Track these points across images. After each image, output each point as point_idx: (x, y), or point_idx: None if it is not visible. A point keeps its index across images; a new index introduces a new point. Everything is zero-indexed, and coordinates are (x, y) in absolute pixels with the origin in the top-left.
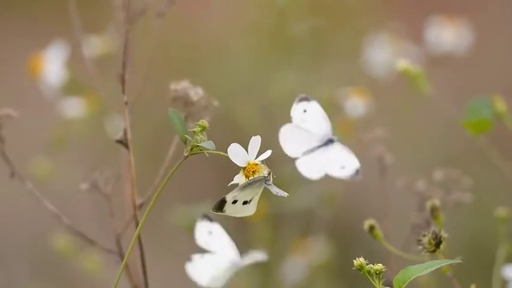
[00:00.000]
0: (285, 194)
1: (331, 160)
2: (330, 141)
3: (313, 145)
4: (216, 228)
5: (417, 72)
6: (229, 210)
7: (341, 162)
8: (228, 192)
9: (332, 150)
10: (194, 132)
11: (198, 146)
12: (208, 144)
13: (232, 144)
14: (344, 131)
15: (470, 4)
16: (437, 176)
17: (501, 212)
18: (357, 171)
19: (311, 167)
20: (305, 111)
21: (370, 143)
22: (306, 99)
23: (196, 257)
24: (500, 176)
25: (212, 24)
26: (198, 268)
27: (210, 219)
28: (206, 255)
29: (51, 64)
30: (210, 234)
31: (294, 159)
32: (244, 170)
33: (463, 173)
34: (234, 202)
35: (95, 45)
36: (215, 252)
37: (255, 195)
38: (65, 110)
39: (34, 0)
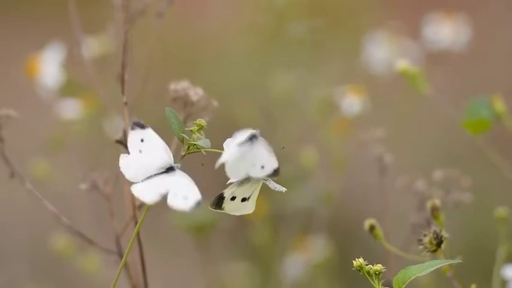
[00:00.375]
0: (283, 189)
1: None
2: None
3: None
4: (149, 134)
5: (416, 72)
6: (228, 207)
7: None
8: None
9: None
10: (191, 131)
11: (195, 144)
12: (204, 143)
13: (228, 139)
14: (340, 130)
15: (472, 4)
16: (437, 176)
17: (501, 212)
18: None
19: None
20: (142, 140)
21: (370, 142)
22: (141, 126)
23: (131, 153)
24: (500, 176)
25: (212, 24)
26: (127, 162)
27: (142, 126)
28: (140, 155)
29: (48, 66)
30: (142, 142)
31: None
32: None
33: (463, 173)
34: (233, 199)
35: (94, 46)
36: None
37: (253, 191)
38: (63, 111)
39: (34, 0)
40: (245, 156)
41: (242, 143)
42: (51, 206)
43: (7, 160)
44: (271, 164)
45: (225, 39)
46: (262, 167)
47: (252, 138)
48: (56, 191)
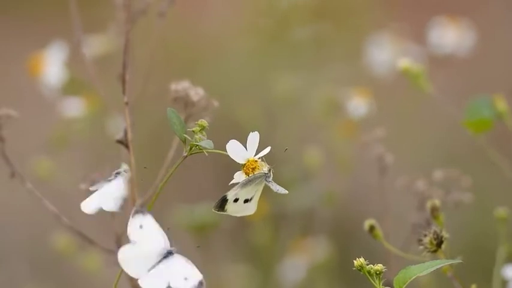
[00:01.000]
0: (285, 191)
1: (174, 272)
2: (169, 254)
3: (154, 261)
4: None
5: (418, 71)
6: (231, 209)
7: (184, 274)
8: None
9: (173, 262)
10: (193, 131)
11: (197, 145)
12: (206, 144)
13: (230, 140)
14: (345, 131)
15: (472, 4)
16: (437, 176)
17: (501, 212)
18: (201, 283)
19: (155, 284)
20: (141, 226)
21: (371, 143)
22: (141, 212)
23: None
24: (500, 176)
25: (213, 24)
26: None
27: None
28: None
29: (51, 65)
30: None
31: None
32: (244, 167)
33: (463, 173)
34: (236, 200)
35: (95, 45)
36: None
37: (255, 192)
38: (65, 110)
39: (34, 0)
40: (162, 274)
41: (157, 263)
42: (52, 206)
43: (8, 160)
44: (196, 276)
45: (225, 39)
46: (186, 279)
47: (168, 254)
48: (56, 191)
